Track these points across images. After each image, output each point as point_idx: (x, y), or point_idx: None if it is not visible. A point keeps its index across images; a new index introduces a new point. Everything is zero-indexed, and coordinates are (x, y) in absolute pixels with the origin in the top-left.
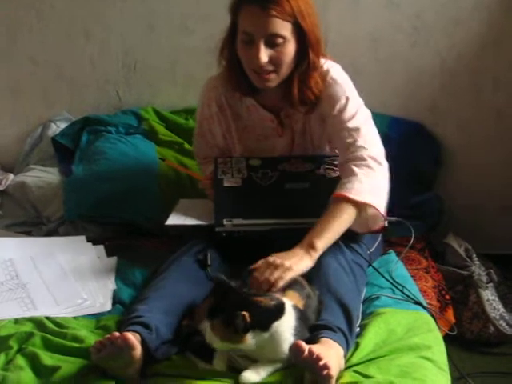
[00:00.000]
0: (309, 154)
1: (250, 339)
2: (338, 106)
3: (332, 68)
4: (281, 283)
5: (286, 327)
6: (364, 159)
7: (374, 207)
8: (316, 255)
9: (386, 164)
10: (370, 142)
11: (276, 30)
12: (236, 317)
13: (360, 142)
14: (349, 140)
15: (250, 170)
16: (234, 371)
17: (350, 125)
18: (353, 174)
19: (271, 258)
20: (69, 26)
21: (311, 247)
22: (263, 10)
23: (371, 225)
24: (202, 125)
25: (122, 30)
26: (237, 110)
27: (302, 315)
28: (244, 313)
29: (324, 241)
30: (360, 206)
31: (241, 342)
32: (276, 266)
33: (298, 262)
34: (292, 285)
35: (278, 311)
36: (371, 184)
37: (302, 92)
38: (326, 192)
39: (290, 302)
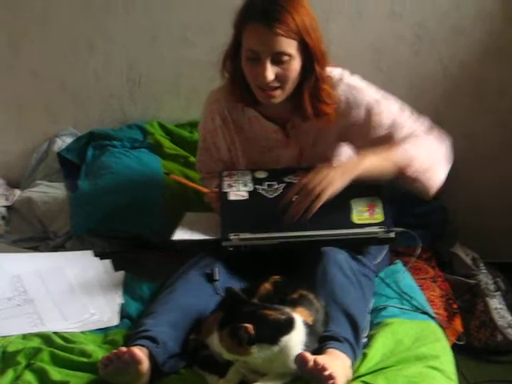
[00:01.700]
0: (316, 166)
1: (256, 352)
2: (363, 111)
3: (344, 74)
4: (324, 197)
5: (296, 342)
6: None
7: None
8: (364, 163)
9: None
10: (410, 128)
11: (282, 49)
12: (239, 329)
13: (401, 134)
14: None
15: (256, 183)
16: None
17: (386, 122)
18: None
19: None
20: (72, 39)
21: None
22: (269, 28)
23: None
24: (205, 139)
25: (125, 43)
26: (239, 122)
27: (311, 330)
28: (247, 325)
29: (374, 158)
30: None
31: (246, 354)
32: (323, 176)
33: (345, 172)
34: (301, 301)
35: (288, 325)
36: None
37: (316, 106)
38: (333, 203)
39: (301, 317)
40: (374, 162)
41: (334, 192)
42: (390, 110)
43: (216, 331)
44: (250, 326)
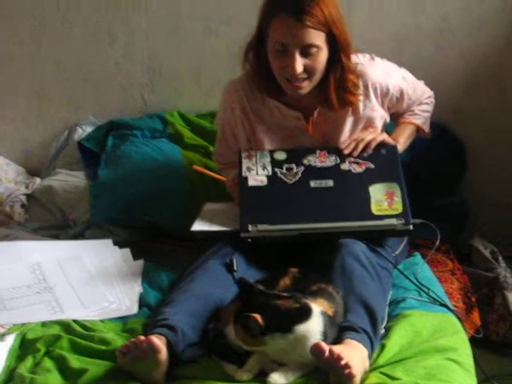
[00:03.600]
0: (334, 146)
1: (271, 342)
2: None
3: (367, 68)
4: (374, 144)
5: (314, 332)
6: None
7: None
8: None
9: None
10: (419, 94)
11: (311, 41)
12: (248, 320)
13: (415, 103)
14: (405, 107)
15: (275, 165)
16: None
17: (409, 95)
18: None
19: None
20: (94, 29)
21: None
22: (298, 21)
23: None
24: (224, 129)
25: (146, 33)
26: (259, 111)
27: (331, 321)
28: (255, 315)
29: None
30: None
31: (261, 344)
32: (369, 132)
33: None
34: (321, 293)
35: (303, 314)
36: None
37: (341, 96)
38: (352, 191)
39: (319, 308)
40: (403, 145)
41: (383, 139)
42: (410, 84)
43: (232, 324)
44: (257, 316)
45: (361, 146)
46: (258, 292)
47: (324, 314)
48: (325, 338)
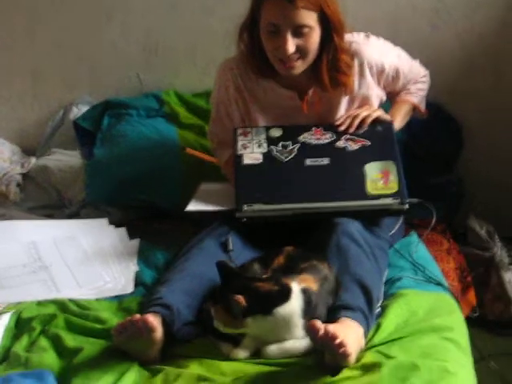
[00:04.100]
0: (330, 123)
1: (252, 323)
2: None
3: (362, 46)
4: (369, 120)
5: (293, 311)
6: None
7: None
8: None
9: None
10: (415, 73)
11: (303, 21)
12: (231, 301)
13: (410, 81)
14: (401, 86)
15: (270, 143)
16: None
17: (401, 81)
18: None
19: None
20: (90, 8)
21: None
22: (289, 1)
23: None
24: (218, 109)
25: (142, 11)
26: (254, 91)
27: (315, 297)
28: (238, 296)
29: (399, 119)
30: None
31: (242, 326)
32: (365, 108)
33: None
34: (309, 269)
35: (283, 295)
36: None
37: (334, 76)
38: (347, 170)
39: (300, 285)
40: (400, 123)
41: (378, 116)
42: (406, 63)
43: (211, 307)
44: (240, 297)
45: (356, 122)
46: (238, 275)
47: (306, 290)
48: (306, 315)
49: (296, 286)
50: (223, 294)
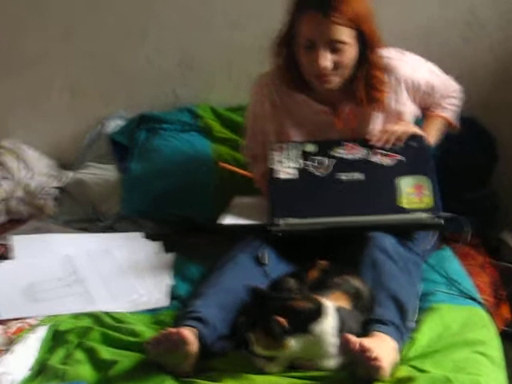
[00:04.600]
0: (364, 138)
1: (293, 344)
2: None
3: (397, 63)
4: (404, 136)
5: (327, 329)
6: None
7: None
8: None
9: (459, 87)
10: (448, 88)
11: (338, 37)
12: (272, 323)
13: (443, 97)
14: (434, 101)
15: (305, 158)
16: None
17: (435, 97)
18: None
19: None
20: (126, 23)
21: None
22: (326, 17)
23: None
24: (253, 123)
25: (178, 27)
26: (288, 106)
27: (348, 315)
28: (279, 318)
29: (433, 134)
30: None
31: (283, 347)
32: (400, 125)
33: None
34: (342, 285)
35: (316, 312)
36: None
37: (369, 92)
38: (381, 184)
39: (334, 303)
40: (434, 138)
41: (413, 132)
42: (439, 78)
43: (250, 333)
44: (282, 319)
45: (392, 139)
46: (271, 297)
47: (339, 309)
48: (340, 334)
49: (330, 304)
50: (261, 318)
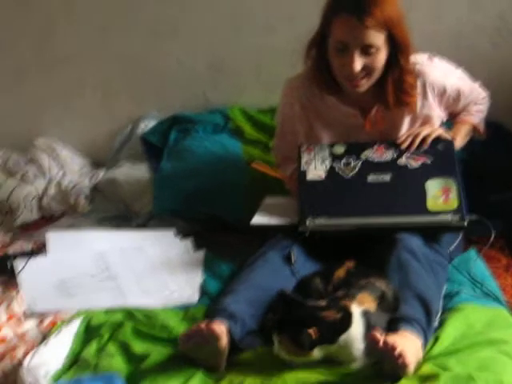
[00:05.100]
0: (392, 140)
1: (317, 353)
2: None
3: (425, 67)
4: (430, 138)
5: (355, 337)
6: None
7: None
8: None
9: (486, 94)
10: (475, 95)
11: (371, 41)
12: (302, 335)
13: (470, 103)
14: (461, 107)
15: (333, 160)
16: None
17: (462, 102)
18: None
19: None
20: (157, 25)
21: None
22: (359, 21)
23: None
24: (283, 125)
25: (208, 29)
26: (318, 108)
27: (375, 317)
28: (310, 331)
29: (460, 138)
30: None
31: (307, 356)
32: (427, 127)
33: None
34: (367, 287)
35: (345, 324)
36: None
37: (398, 96)
38: (408, 187)
39: (360, 307)
40: (460, 142)
41: (439, 134)
42: (467, 85)
43: (275, 334)
44: (312, 332)
45: (418, 140)
46: (300, 304)
47: (365, 313)
48: (366, 338)
49: (356, 310)
50: (289, 325)
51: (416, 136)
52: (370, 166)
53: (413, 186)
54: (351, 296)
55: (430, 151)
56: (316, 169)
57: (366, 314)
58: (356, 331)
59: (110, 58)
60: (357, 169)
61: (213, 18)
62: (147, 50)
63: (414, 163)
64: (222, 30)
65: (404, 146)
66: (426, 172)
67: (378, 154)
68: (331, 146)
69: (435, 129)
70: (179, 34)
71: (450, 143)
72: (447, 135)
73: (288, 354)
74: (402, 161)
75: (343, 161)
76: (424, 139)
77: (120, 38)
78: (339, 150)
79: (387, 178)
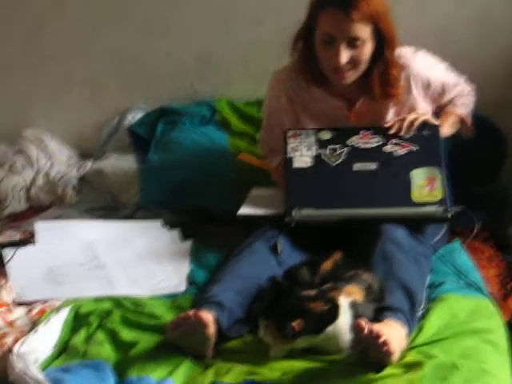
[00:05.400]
0: (379, 126)
1: (301, 342)
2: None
3: (410, 61)
4: (417, 122)
5: (342, 328)
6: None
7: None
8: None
9: (471, 88)
10: (460, 89)
11: (357, 34)
12: (287, 326)
13: (456, 97)
14: (446, 101)
15: (319, 146)
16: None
17: (447, 95)
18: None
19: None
20: (146, 18)
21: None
22: (345, 14)
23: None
24: (270, 117)
25: (197, 22)
26: (304, 100)
27: (362, 307)
28: (294, 324)
29: (447, 126)
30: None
31: (292, 343)
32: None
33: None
34: (355, 278)
35: (331, 316)
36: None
37: (384, 89)
38: (394, 175)
39: (348, 298)
40: (447, 129)
41: (426, 119)
42: (452, 78)
43: (261, 319)
44: (296, 324)
45: (405, 125)
46: (290, 293)
47: (353, 304)
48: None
49: (344, 301)
50: (276, 313)
51: (403, 120)
52: (356, 154)
53: (398, 175)
54: (339, 288)
55: (416, 137)
56: (302, 155)
57: (353, 305)
58: (343, 322)
59: (98, 52)
60: (343, 156)
61: (201, 11)
62: (135, 42)
63: (400, 150)
64: (210, 22)
65: (392, 131)
66: (412, 160)
67: (364, 140)
68: (317, 131)
69: (422, 113)
70: (168, 26)
71: (435, 128)
72: (434, 120)
73: (272, 340)
74: (388, 148)
75: (329, 147)
76: (411, 124)
77: (108, 32)
78: (325, 136)
79: (373, 166)
